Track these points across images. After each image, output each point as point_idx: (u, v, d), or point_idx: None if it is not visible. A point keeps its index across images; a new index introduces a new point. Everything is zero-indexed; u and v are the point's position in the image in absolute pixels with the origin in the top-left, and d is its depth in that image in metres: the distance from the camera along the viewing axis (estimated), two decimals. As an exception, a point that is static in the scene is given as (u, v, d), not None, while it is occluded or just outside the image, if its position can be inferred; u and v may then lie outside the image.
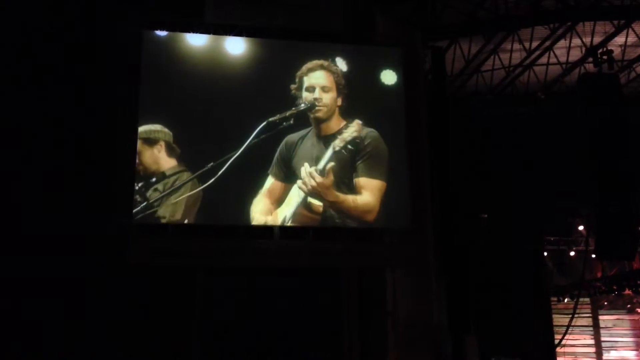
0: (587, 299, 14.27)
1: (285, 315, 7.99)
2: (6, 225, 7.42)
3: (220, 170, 7.55)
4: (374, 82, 8.38)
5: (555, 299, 13.85)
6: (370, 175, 7.99)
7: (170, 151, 7.69)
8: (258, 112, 7.82)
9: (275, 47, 8.28)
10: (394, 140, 8.19)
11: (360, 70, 8.33)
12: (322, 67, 8.12)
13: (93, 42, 8.11)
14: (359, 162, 7.98)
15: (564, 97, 12.63)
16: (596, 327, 14.56)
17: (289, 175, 7.86)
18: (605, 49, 9.91)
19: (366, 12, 8.77)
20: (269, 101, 7.95)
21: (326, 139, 7.97)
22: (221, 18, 8.05)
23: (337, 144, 7.89)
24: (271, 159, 7.85)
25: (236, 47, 8.10)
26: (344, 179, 7.91)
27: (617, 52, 11.24)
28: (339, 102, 8.10)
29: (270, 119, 7.79)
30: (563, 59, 11.97)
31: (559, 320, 13.34)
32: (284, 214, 7.75)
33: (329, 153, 7.87)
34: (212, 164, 7.57)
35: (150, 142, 7.66)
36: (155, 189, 7.52)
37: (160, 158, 7.64)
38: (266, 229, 7.72)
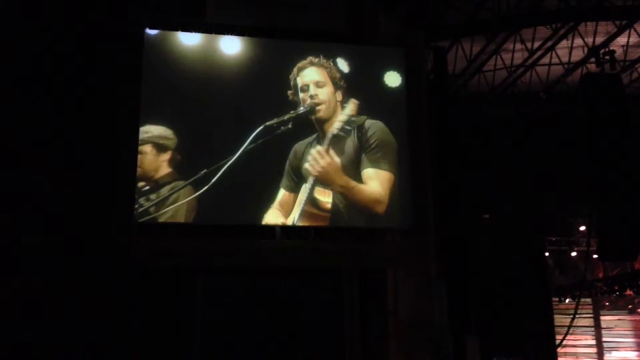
0: (588, 300, 14.29)
1: (286, 315, 7.96)
2: (7, 225, 7.41)
3: (216, 175, 7.43)
4: (376, 82, 8.31)
5: (557, 299, 13.87)
6: (378, 166, 7.84)
7: (173, 155, 7.62)
8: (260, 115, 7.73)
9: (276, 47, 8.19)
10: (395, 140, 8.13)
11: (362, 71, 8.27)
12: (312, 64, 7.99)
13: (93, 42, 8.10)
14: (365, 153, 7.83)
15: (566, 98, 12.62)
16: (597, 328, 14.59)
17: (299, 184, 7.74)
18: (607, 49, 9.91)
19: (368, 12, 8.75)
20: (269, 103, 7.86)
21: (332, 140, 7.91)
22: (223, 18, 8.00)
23: (336, 126, 7.77)
24: (270, 162, 7.73)
25: (236, 47, 8.03)
26: (349, 167, 7.76)
27: (619, 52, 11.24)
28: (339, 96, 7.98)
29: (267, 123, 7.67)
30: (565, 59, 11.96)
31: (560, 320, 13.34)
32: (293, 217, 7.65)
33: (328, 136, 7.75)
34: (214, 165, 7.49)
35: (160, 148, 7.56)
36: (156, 191, 7.48)
37: (162, 161, 7.58)
38: (267, 229, 7.69)
